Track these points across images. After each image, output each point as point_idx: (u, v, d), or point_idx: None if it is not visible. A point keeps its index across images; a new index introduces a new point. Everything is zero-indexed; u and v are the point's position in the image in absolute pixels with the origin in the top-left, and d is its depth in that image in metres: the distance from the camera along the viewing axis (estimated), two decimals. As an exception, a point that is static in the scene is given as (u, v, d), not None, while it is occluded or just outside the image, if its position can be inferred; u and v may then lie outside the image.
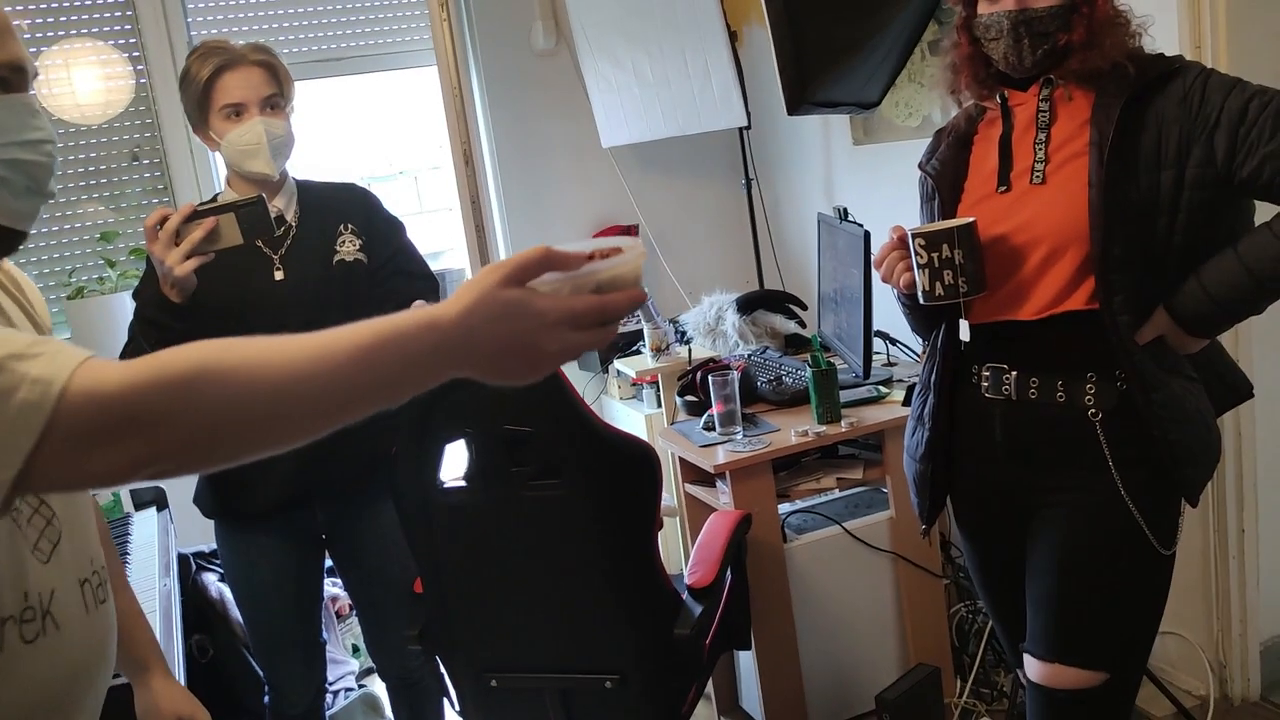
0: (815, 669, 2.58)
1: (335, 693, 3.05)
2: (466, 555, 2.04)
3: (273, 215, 2.10)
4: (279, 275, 2.10)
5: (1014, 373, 1.67)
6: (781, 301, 3.46)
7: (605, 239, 0.96)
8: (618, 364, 3.51)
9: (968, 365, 1.74)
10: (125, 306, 3.38)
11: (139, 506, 2.93)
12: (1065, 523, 1.62)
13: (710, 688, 2.72)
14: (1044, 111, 1.65)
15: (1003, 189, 1.68)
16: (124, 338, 3.36)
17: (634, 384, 3.55)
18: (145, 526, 2.78)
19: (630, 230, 3.89)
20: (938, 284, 1.64)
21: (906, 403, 2.55)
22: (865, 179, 3.48)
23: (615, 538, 1.96)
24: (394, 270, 2.19)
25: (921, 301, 1.67)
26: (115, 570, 1.49)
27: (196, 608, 2.91)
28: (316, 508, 2.18)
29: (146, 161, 3.52)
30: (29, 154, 1.01)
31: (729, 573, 2.25)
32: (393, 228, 2.25)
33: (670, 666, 2.05)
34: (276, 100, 2.07)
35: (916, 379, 2.81)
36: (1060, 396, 1.63)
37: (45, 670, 1.05)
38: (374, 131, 4.26)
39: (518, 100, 3.79)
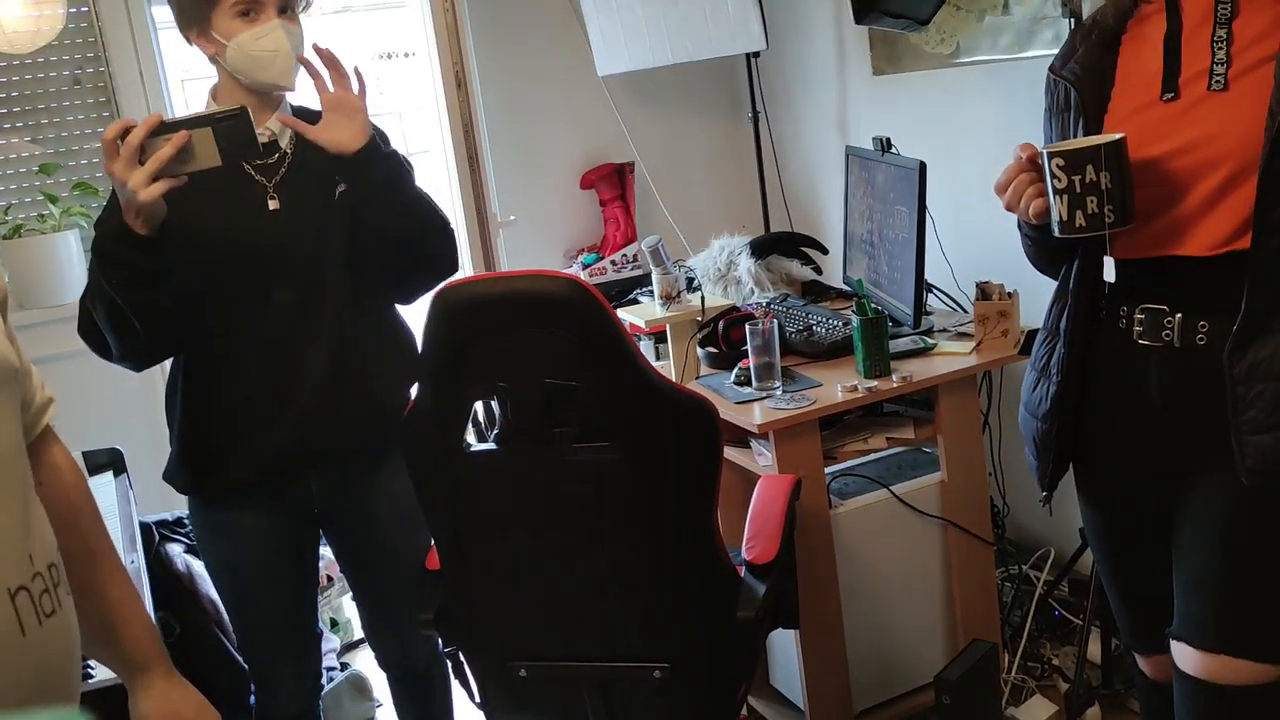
0: (860, 645, 2.36)
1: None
2: (494, 528, 1.77)
3: (266, 139, 1.79)
4: (273, 205, 1.79)
5: (1177, 315, 1.41)
6: (796, 245, 3.20)
7: None
8: (622, 314, 3.22)
9: (1113, 306, 1.49)
10: (70, 246, 3.03)
11: (93, 471, 2.59)
12: (1231, 491, 1.38)
13: (739, 666, 2.48)
14: (1224, 4, 1.38)
15: (1169, 96, 1.41)
16: (70, 282, 3.03)
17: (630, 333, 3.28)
18: (102, 494, 2.44)
19: (625, 168, 3.60)
20: (1078, 213, 1.37)
21: (1025, 351, 2.29)
22: (886, 112, 3.22)
23: (672, 508, 1.69)
24: None
25: (1057, 233, 1.41)
26: (102, 549, 1.20)
27: (161, 582, 2.61)
28: (311, 475, 1.89)
29: (90, 86, 3.14)
30: None
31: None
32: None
33: (728, 653, 1.80)
34: (295, 2, 1.76)
35: (962, 327, 2.59)
36: None
37: None
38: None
39: (503, 24, 3.45)
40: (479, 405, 2.73)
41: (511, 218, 3.42)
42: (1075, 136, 1.47)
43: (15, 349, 1.02)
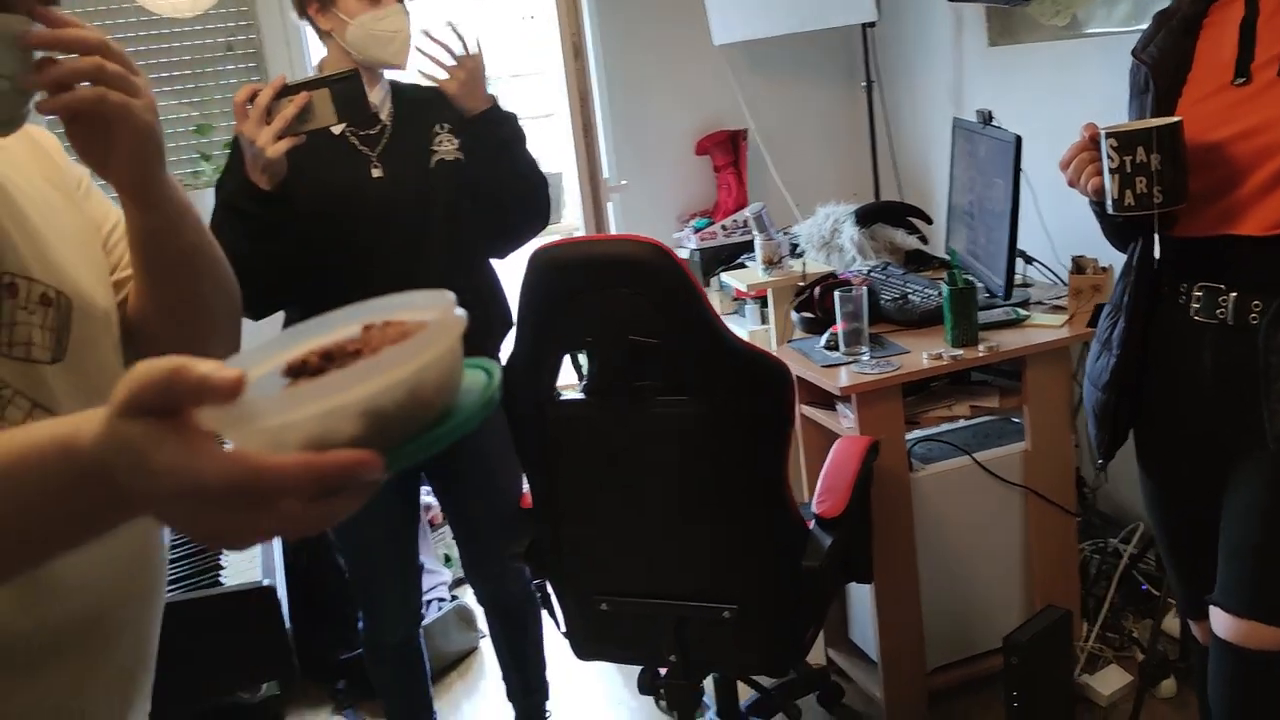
0: (935, 605, 2.43)
1: (428, 603, 2.99)
2: (582, 472, 1.92)
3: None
4: (377, 172, 1.96)
5: (1233, 294, 1.46)
6: (902, 215, 3.24)
7: (404, 307, 0.65)
8: (723, 276, 3.33)
9: (1174, 284, 1.54)
10: (220, 201, 3.29)
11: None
12: (1270, 465, 1.42)
13: (819, 618, 2.59)
14: None
15: (1240, 81, 1.45)
16: (219, 233, 3.30)
17: (735, 298, 3.38)
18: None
19: (738, 135, 3.68)
20: (1128, 192, 1.44)
21: (1092, 324, 2.33)
22: (1000, 84, 3.21)
23: (743, 460, 1.81)
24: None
25: (1109, 210, 1.48)
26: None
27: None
28: None
29: (241, 52, 3.40)
30: None
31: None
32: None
33: (794, 600, 1.91)
34: None
35: (1057, 300, 2.61)
36: None
37: (23, 615, 0.82)
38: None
39: (625, -7, 3.57)
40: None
41: (623, 182, 3.56)
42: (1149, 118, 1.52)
43: (107, 289, 1.01)
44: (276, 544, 2.01)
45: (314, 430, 0.55)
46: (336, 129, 1.93)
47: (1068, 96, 2.97)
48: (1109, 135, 1.44)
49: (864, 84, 3.54)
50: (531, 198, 2.03)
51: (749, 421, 1.79)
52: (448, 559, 3.36)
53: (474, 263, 2.07)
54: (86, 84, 0.82)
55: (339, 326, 0.65)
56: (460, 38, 1.94)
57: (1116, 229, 1.62)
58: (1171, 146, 1.40)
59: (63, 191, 0.98)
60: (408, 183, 1.96)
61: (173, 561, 1.86)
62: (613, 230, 3.55)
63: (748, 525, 1.84)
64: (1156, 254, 1.50)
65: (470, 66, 1.94)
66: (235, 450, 0.56)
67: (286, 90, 1.69)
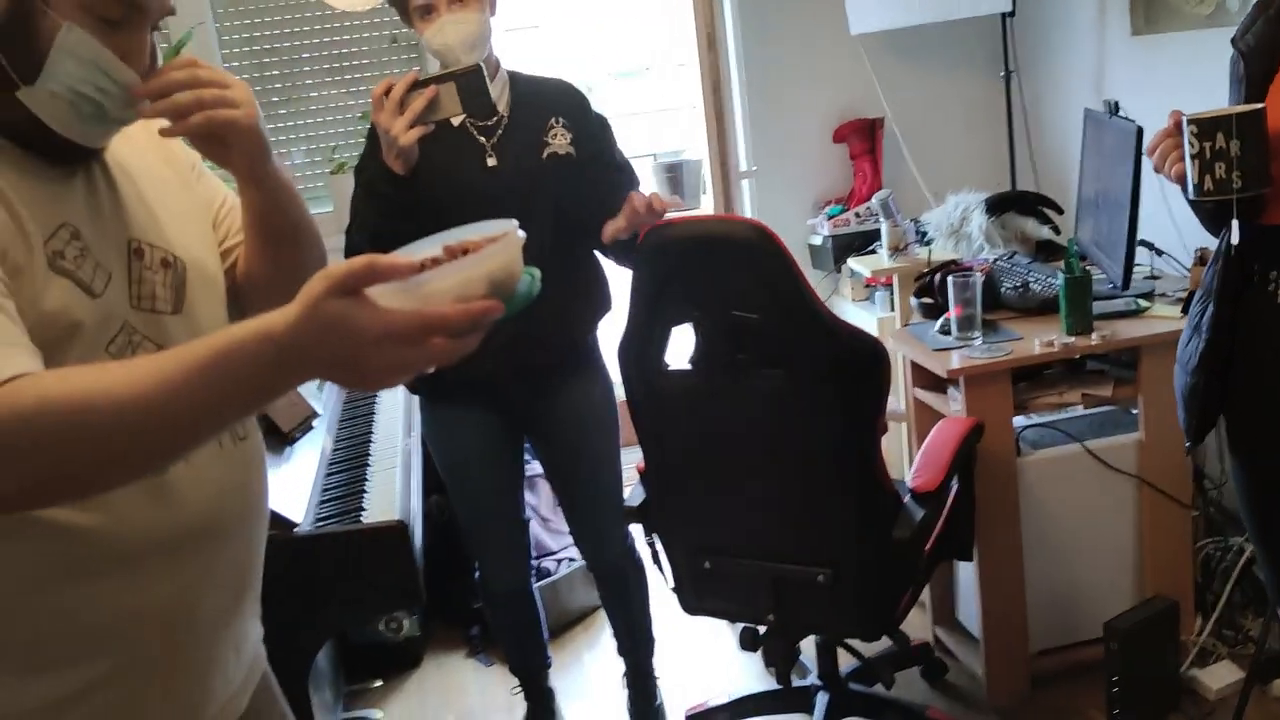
0: (1040, 589, 2.47)
1: (558, 562, 3.19)
2: (688, 438, 2.06)
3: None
4: (492, 162, 2.12)
5: None
6: (1034, 204, 3.24)
7: (473, 231, 0.94)
8: (852, 263, 3.40)
9: (1263, 271, 1.57)
10: (381, 183, 3.55)
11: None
12: None
13: (927, 596, 2.66)
14: None
15: None
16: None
17: (867, 285, 3.44)
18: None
19: (875, 124, 3.73)
20: (1208, 177, 1.48)
21: (1186, 311, 2.33)
22: (1143, 73, 3.17)
23: (837, 432, 1.91)
24: (600, 165, 2.18)
25: (1189, 196, 1.52)
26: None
27: (432, 470, 3.08)
28: (512, 386, 2.21)
29: (403, 45, 3.66)
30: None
31: (955, 481, 2.16)
32: (601, 125, 2.24)
33: (885, 568, 2.00)
34: None
35: (1181, 293, 2.59)
36: None
37: (153, 517, 1.00)
38: (611, 27, 4.26)
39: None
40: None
41: (753, 168, 3.66)
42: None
43: (215, 256, 1.19)
44: (415, 489, 2.22)
45: (458, 293, 0.82)
46: (457, 120, 2.07)
47: (1210, 87, 2.91)
48: (1190, 121, 1.48)
49: (1003, 74, 3.54)
50: None
51: (843, 396, 1.89)
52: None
53: (577, 251, 2.20)
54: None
55: (428, 249, 0.93)
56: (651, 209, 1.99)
57: (1210, 215, 1.65)
58: (1252, 133, 1.43)
59: (177, 174, 1.18)
60: (518, 172, 2.11)
61: (323, 503, 2.09)
62: (747, 214, 3.66)
63: (840, 495, 1.95)
64: (1235, 240, 1.53)
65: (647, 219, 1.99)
66: (406, 306, 0.81)
67: (417, 84, 1.88)
